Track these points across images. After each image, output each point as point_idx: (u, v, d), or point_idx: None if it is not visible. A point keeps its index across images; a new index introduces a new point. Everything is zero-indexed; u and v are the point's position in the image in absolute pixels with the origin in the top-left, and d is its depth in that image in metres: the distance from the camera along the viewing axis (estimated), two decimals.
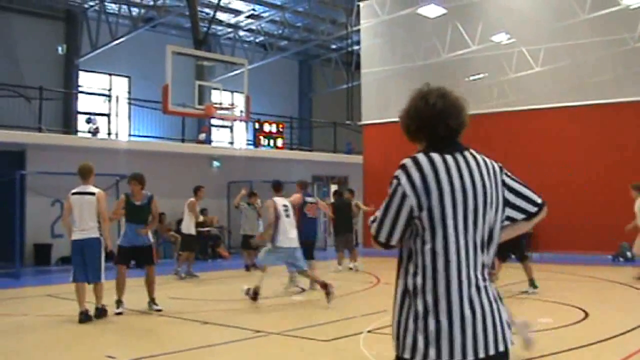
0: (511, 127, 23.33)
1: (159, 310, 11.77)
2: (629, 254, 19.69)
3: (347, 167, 30.32)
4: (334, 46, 37.42)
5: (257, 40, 34.73)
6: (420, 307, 3.12)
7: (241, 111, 20.10)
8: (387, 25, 26.37)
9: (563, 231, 18.32)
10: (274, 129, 28.46)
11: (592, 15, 21.42)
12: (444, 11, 24.22)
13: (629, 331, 9.45)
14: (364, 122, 27.40)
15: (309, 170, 28.52)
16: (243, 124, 30.12)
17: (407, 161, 3.28)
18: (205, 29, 25.92)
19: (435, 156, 3.25)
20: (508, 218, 3.42)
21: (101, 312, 10.98)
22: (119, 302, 11.54)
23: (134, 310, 11.84)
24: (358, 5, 27.73)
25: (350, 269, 18.89)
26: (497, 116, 23.63)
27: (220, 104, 20.06)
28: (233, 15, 31.49)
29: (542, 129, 22.51)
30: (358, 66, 30.79)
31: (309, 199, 15.79)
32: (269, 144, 28.05)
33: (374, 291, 14.96)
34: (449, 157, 3.26)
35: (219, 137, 32.06)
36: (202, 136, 26.95)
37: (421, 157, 3.26)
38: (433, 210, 3.15)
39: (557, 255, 17.01)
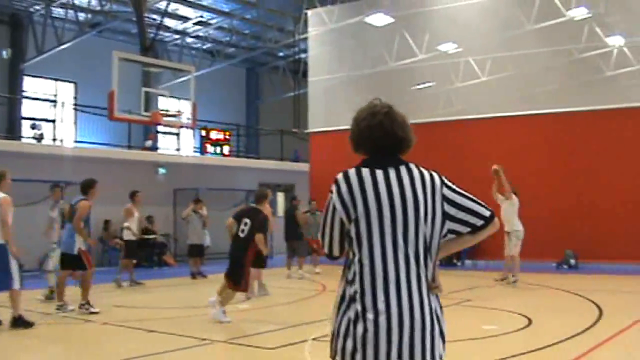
0: (457, 136, 23.64)
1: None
2: (572, 261, 20.11)
3: (294, 175, 30.36)
4: (281, 54, 37.53)
5: (204, 47, 34.66)
6: (351, 314, 3.19)
7: (188, 118, 20.00)
8: (334, 33, 26.47)
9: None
10: (220, 136, 28.44)
11: (538, 26, 21.77)
12: (391, 20, 24.33)
13: (571, 337, 9.63)
14: (310, 130, 27.48)
15: (255, 178, 28.51)
16: (190, 131, 30.01)
17: (339, 175, 3.40)
18: (152, 35, 25.76)
19: (365, 170, 3.36)
20: (452, 231, 3.44)
21: (18, 322, 10.59)
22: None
23: (77, 319, 11.76)
24: (306, 14, 27.81)
25: (300, 277, 19.02)
26: (443, 125, 23.93)
27: (167, 111, 19.89)
28: (181, 22, 31.42)
29: (489, 138, 22.83)
30: (305, 74, 30.92)
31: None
32: (215, 152, 28.01)
33: (319, 299, 15.01)
34: (378, 171, 3.35)
35: (166, 144, 31.93)
36: (149, 143, 26.81)
37: (351, 171, 3.38)
38: (359, 222, 3.26)
39: (502, 263, 17.22)
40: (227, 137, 29.10)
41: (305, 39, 29.00)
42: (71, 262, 12.48)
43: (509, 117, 22.62)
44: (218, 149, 28.30)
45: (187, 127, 24.39)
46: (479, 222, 3.46)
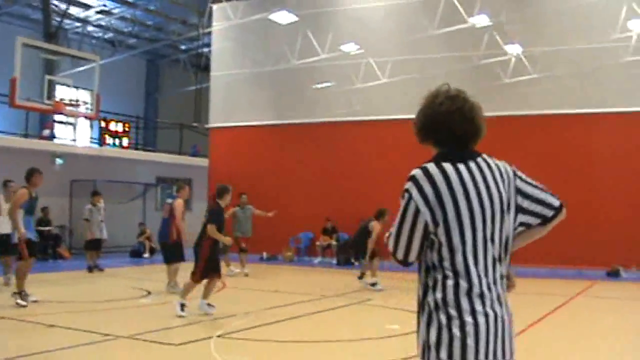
0: (356, 137, 24.02)
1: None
2: None
3: (191, 170, 30.20)
4: (183, 47, 37.17)
5: (105, 37, 34.01)
6: (443, 319, 2.99)
7: (89, 109, 19.66)
8: (238, 29, 26.38)
9: None
10: (119, 128, 28.03)
11: (441, 32, 22.20)
12: (295, 18, 24.40)
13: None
14: (211, 125, 27.37)
15: (153, 172, 28.28)
16: (87, 121, 29.45)
17: (417, 172, 3.12)
18: (56, 22, 25.13)
19: (447, 166, 3.10)
20: (522, 224, 3.27)
21: None
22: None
23: None
24: (211, 7, 27.66)
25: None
26: (342, 125, 24.26)
27: (70, 100, 19.48)
28: (82, 10, 30.76)
29: (388, 139, 23.26)
30: (207, 68, 30.73)
31: (167, 200, 15.71)
32: (114, 144, 27.59)
33: (220, 296, 15.01)
34: (461, 166, 3.11)
35: (62, 134, 31.26)
36: (47, 132, 26.18)
37: (432, 167, 3.11)
38: (450, 224, 3.03)
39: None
40: (127, 129, 28.71)
41: (209, 33, 28.85)
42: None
43: (409, 119, 23.01)
44: (117, 141, 27.88)
45: (88, 118, 23.97)
46: (550, 213, 3.29)
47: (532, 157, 20.76)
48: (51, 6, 26.27)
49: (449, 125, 3.18)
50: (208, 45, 30.26)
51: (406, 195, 3.10)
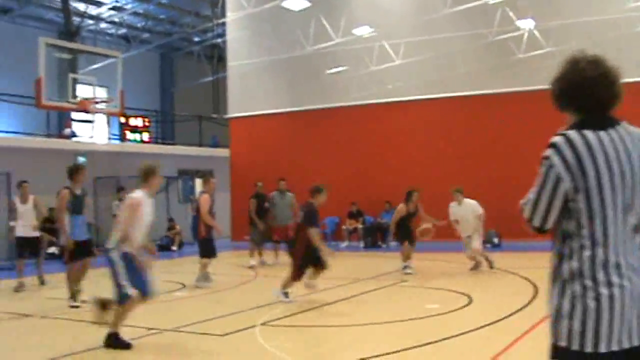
0: (376, 119, 24.07)
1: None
2: (495, 240, 20.67)
3: (212, 161, 30.23)
4: (196, 39, 37.17)
5: (119, 33, 34.03)
6: (577, 289, 2.97)
7: (115, 105, 19.70)
8: (252, 18, 26.40)
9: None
10: (139, 123, 28.08)
11: (454, 10, 22.17)
12: (308, 4, 24.41)
13: (512, 314, 9.96)
14: (230, 115, 27.40)
15: (174, 165, 28.31)
16: (104, 118, 29.53)
17: (559, 139, 3.07)
18: (77, 21, 25.13)
19: (589, 133, 3.04)
20: None
21: None
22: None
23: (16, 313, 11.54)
24: None
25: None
26: (362, 108, 24.31)
27: (95, 98, 19.49)
28: (95, 7, 30.79)
29: (407, 120, 23.34)
30: (220, 59, 30.75)
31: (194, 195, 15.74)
32: (135, 139, 27.64)
33: (255, 285, 15.08)
34: (602, 133, 3.05)
35: (83, 133, 31.35)
36: (68, 131, 26.25)
37: (573, 134, 3.06)
38: (590, 192, 2.99)
39: (438, 244, 17.61)
40: (147, 124, 28.76)
41: (222, 23, 28.85)
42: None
43: (423, 100, 23.19)
44: (137, 136, 27.92)
45: (113, 115, 24.01)
46: None
47: (554, 131, 20.72)
48: (60, 5, 26.18)
49: (593, 91, 3.11)
50: (221, 35, 30.24)
51: (546, 162, 3.07)
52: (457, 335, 8.69)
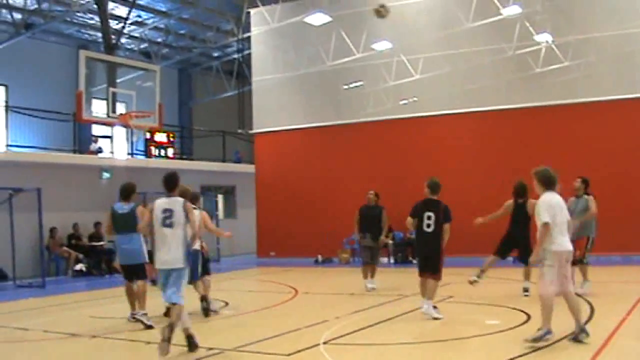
0: (401, 134, 23.95)
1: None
2: None
3: (234, 177, 30.05)
4: (215, 54, 37.00)
5: (140, 47, 33.83)
6: None
7: (153, 120, 19.52)
8: (275, 33, 26.39)
9: (467, 235, 18.23)
10: (164, 138, 27.86)
11: (473, 25, 22.07)
12: (329, 19, 24.29)
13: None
14: (255, 130, 27.16)
15: (197, 180, 28.04)
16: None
17: None
18: (96, 36, 24.93)
19: None
20: None
21: None
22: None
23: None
24: (248, 13, 27.49)
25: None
26: (386, 123, 24.16)
27: (137, 112, 19.25)
28: (117, 22, 30.55)
29: (433, 135, 23.19)
30: (239, 75, 30.63)
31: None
32: (160, 155, 27.44)
33: (299, 302, 14.74)
34: None
35: (108, 148, 31.17)
36: (95, 146, 26.02)
37: None
38: None
39: (473, 258, 17.18)
40: (171, 139, 28.55)
41: (243, 39, 28.78)
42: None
43: (445, 115, 23.08)
44: (162, 152, 27.70)
45: (152, 131, 23.84)
46: None
47: (571, 146, 20.58)
48: (82, 20, 26.01)
49: None
50: (240, 51, 30.14)
51: None
52: (533, 352, 8.39)
